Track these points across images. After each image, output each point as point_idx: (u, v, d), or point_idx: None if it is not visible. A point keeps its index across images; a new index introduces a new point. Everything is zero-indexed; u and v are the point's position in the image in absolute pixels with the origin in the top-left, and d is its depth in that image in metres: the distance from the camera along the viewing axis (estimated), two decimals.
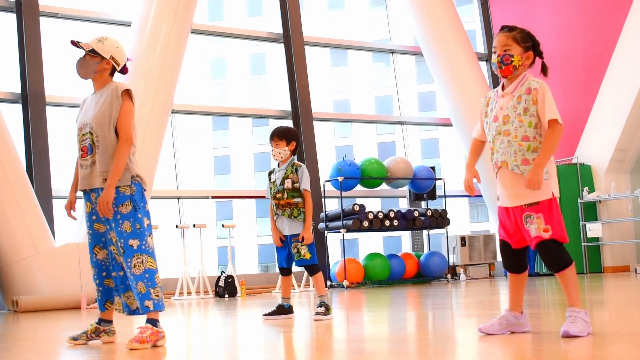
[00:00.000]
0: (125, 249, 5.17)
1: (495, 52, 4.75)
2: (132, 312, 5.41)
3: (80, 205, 5.58)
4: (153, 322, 5.20)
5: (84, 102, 5.55)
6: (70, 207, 5.58)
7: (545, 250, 4.59)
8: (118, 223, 5.21)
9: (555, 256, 4.59)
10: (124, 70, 5.57)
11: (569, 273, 4.60)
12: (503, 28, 4.81)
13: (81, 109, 5.54)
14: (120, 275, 5.38)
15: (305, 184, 7.00)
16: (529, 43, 4.77)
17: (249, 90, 40.10)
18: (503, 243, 4.84)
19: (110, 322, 5.61)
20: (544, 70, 4.84)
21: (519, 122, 4.63)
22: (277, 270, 7.40)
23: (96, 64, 5.42)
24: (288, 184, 6.98)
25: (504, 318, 4.81)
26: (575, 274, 4.65)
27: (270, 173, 7.21)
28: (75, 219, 5.56)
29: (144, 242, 5.22)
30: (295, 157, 7.17)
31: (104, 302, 5.51)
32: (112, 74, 5.51)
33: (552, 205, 4.62)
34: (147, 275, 5.19)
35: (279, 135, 7.05)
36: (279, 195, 7.01)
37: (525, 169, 4.61)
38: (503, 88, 4.80)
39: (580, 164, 15.34)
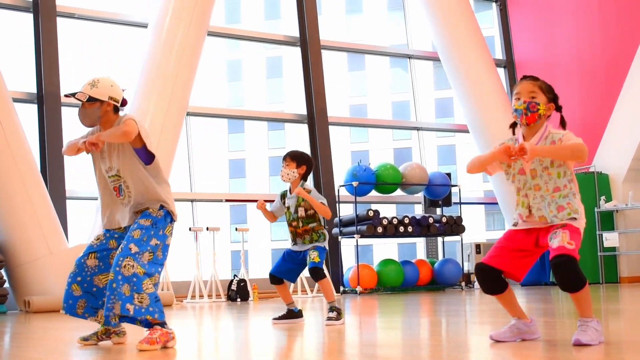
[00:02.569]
0: (123, 249, 5.13)
1: (519, 99, 4.66)
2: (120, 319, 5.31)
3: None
4: (161, 323, 5.15)
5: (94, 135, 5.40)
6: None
7: (564, 268, 4.42)
8: (131, 229, 5.22)
9: (574, 274, 4.42)
10: (123, 103, 5.46)
11: (584, 292, 4.49)
12: (526, 77, 4.77)
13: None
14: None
15: (321, 199, 6.95)
16: (552, 95, 4.73)
17: (265, 94, 40.11)
18: (481, 267, 4.71)
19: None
20: (563, 124, 4.77)
21: (547, 175, 4.60)
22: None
23: (97, 110, 5.28)
24: (301, 212, 6.95)
25: (514, 326, 4.79)
26: (589, 290, 4.54)
27: (282, 196, 7.14)
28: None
29: (140, 252, 5.15)
30: (306, 182, 7.08)
31: (67, 301, 5.45)
32: (115, 111, 5.38)
33: (578, 230, 4.54)
34: (134, 279, 5.08)
35: (291, 156, 7.03)
36: (294, 224, 6.99)
37: (563, 215, 4.55)
38: (524, 138, 4.71)
39: (597, 173, 15.20)
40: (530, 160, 4.52)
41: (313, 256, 6.89)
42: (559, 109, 4.77)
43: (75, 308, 5.44)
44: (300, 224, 6.95)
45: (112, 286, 5.13)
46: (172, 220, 5.40)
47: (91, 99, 5.27)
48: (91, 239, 11.91)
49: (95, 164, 5.46)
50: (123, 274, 5.08)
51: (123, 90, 5.46)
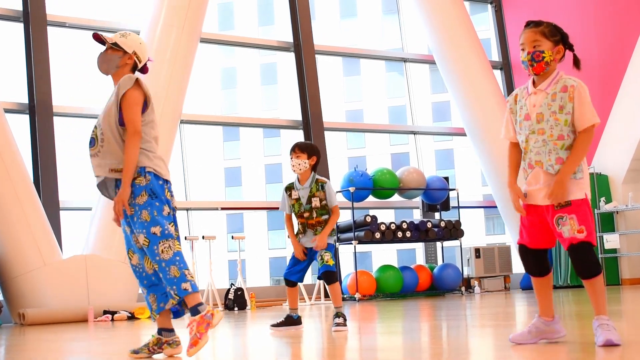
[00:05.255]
0: (150, 239, 4.89)
1: (523, 50, 4.55)
2: (172, 309, 5.11)
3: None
4: (194, 310, 4.89)
5: None
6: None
7: (581, 253, 4.37)
8: (138, 215, 4.94)
9: (590, 261, 4.36)
10: (144, 70, 5.36)
11: (599, 280, 4.41)
12: (529, 24, 4.60)
13: None
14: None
15: (335, 201, 6.91)
16: (557, 36, 4.57)
17: (259, 101, 40.05)
18: (522, 247, 4.65)
19: (172, 330, 5.22)
20: (577, 63, 4.64)
21: (554, 120, 4.46)
22: None
23: (118, 59, 5.21)
24: (316, 202, 6.86)
25: (533, 326, 4.63)
26: (603, 282, 4.46)
27: (288, 189, 7.04)
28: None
29: (165, 228, 4.93)
30: (315, 173, 7.00)
31: (150, 307, 5.20)
32: (133, 71, 5.29)
33: (584, 205, 4.44)
34: (177, 258, 4.91)
35: (300, 147, 6.95)
36: (306, 215, 6.90)
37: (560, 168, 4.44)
38: (534, 84, 4.59)
39: (597, 174, 15.09)
40: (558, 196, 4.40)
41: (326, 258, 6.83)
42: (570, 47, 4.62)
43: (152, 309, 5.18)
44: (315, 214, 6.86)
45: (159, 276, 4.98)
46: (165, 181, 5.17)
47: (116, 46, 5.20)
48: (85, 250, 11.83)
49: None
50: (164, 259, 4.88)
51: (149, 60, 5.39)
